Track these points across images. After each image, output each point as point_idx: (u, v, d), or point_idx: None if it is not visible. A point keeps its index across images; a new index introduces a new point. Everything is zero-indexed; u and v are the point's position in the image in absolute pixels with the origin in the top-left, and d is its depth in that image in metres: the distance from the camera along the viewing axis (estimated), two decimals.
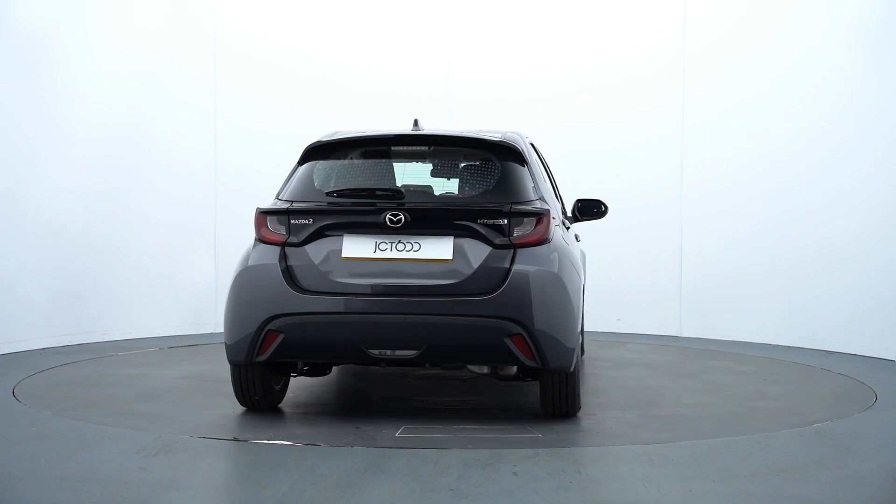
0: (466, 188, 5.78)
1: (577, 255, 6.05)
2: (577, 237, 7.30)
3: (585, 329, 8.86)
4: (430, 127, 6.38)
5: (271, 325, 5.40)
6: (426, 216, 5.45)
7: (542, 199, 5.68)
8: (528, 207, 5.49)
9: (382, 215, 5.41)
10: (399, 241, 5.42)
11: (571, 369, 5.46)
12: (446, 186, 6.09)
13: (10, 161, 8.19)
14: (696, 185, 9.74)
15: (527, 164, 5.78)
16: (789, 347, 8.95)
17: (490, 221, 5.38)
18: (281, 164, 7.16)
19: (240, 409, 5.94)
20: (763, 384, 7.07)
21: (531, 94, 10.31)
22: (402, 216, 5.39)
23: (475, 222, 5.38)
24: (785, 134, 9.19)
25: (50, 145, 8.52)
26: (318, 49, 10.31)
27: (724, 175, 9.58)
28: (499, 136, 5.91)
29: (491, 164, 5.78)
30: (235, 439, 5.23)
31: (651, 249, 9.84)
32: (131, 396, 6.35)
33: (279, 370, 5.86)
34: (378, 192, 5.57)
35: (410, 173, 6.28)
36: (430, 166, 6.37)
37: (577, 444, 5.17)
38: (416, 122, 6.31)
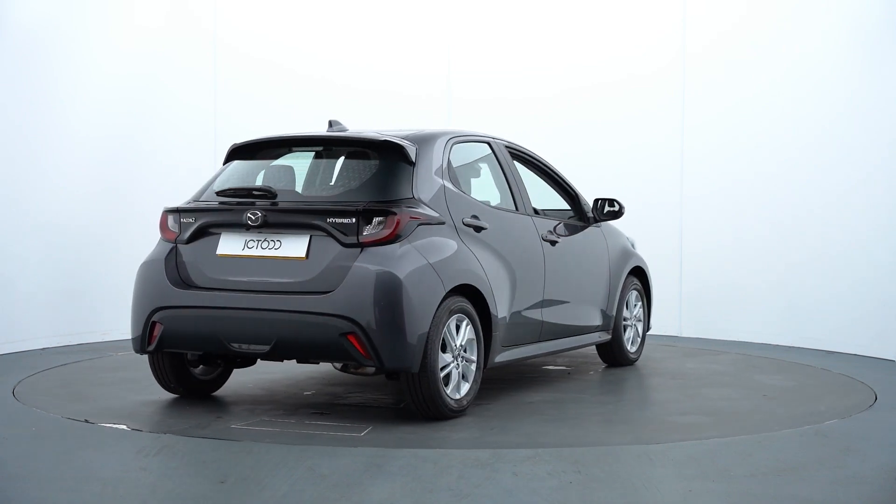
0: (344, 187, 5.91)
1: (463, 255, 5.80)
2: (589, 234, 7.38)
3: (649, 333, 8.61)
4: (358, 127, 6.47)
5: (155, 318, 5.80)
6: (282, 215, 5.62)
7: (415, 199, 5.67)
8: (377, 207, 5.51)
9: (244, 215, 5.62)
10: (265, 240, 5.66)
11: (415, 370, 5.43)
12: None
13: (11, 161, 8.19)
14: (696, 185, 9.73)
15: (414, 163, 5.80)
16: (789, 347, 8.94)
17: (340, 220, 5.48)
18: None
19: (166, 395, 6.31)
20: (744, 400, 7.05)
21: (531, 94, 10.31)
22: (259, 215, 5.59)
23: (325, 221, 5.50)
24: (785, 134, 9.19)
25: (50, 145, 8.52)
26: (318, 49, 10.32)
27: (724, 175, 9.57)
28: (397, 135, 5.97)
29: (374, 163, 5.88)
30: (86, 421, 5.56)
31: (651, 249, 9.82)
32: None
33: (205, 361, 6.16)
34: (254, 192, 5.77)
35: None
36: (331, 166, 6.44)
37: (445, 445, 5.14)
38: (330, 124, 6.45)
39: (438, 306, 5.53)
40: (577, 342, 7.21)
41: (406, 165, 5.80)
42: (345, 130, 6.35)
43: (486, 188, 6.83)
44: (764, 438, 5.33)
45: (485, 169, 6.90)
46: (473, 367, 5.86)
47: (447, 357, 5.65)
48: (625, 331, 7.79)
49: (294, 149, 6.26)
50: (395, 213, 5.49)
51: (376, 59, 10.41)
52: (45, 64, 8.47)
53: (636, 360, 7.99)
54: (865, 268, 8.54)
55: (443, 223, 5.78)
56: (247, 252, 5.68)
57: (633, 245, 8.13)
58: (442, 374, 5.61)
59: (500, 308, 6.11)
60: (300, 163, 6.27)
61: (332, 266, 5.46)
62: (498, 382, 7.00)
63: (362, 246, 5.45)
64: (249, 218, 5.61)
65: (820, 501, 4.20)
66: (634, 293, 7.93)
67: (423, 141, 6.00)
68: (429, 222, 5.67)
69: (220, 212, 5.80)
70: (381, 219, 5.48)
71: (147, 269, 5.93)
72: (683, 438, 5.31)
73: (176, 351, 5.94)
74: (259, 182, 6.03)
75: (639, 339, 8.02)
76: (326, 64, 10.29)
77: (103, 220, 8.95)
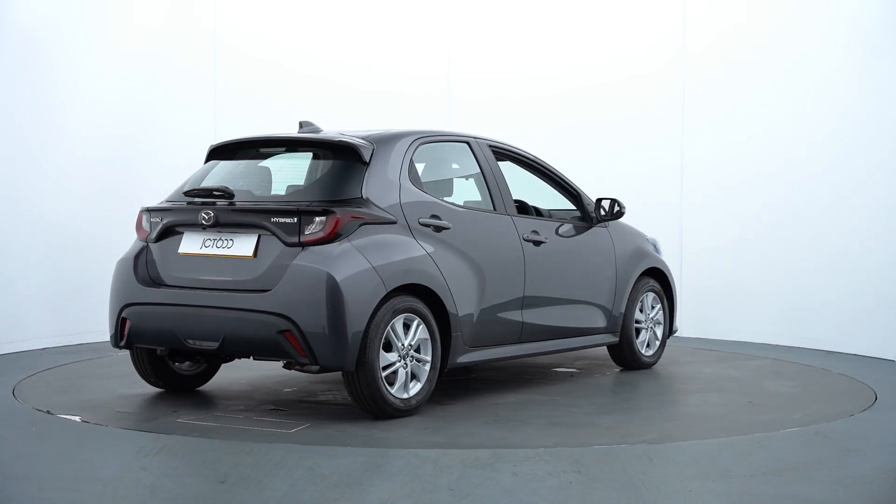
0: (296, 187, 6.03)
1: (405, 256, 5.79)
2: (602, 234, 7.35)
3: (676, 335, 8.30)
4: (330, 129, 6.53)
5: (124, 314, 6.02)
6: (232, 215, 5.76)
7: (364, 198, 5.73)
8: (318, 207, 5.59)
9: (198, 215, 5.79)
10: (220, 239, 5.82)
11: (350, 369, 5.50)
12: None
13: (11, 161, 8.19)
14: (696, 185, 9.73)
15: (368, 164, 5.86)
16: (789, 347, 8.94)
17: (283, 220, 5.59)
18: None
19: (149, 390, 6.51)
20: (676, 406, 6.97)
21: (531, 94, 10.30)
22: (212, 215, 5.76)
23: (270, 221, 5.61)
24: (785, 134, 9.18)
25: (50, 145, 8.52)
26: (318, 49, 10.32)
27: (724, 175, 9.56)
28: (359, 136, 6.05)
29: (329, 163, 6.00)
30: (48, 412, 5.78)
31: None
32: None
33: (180, 356, 6.33)
34: (214, 193, 5.91)
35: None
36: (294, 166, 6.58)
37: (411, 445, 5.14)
38: (301, 125, 6.53)
39: (378, 305, 5.57)
40: (572, 344, 7.10)
41: (359, 166, 5.86)
42: (317, 131, 6.40)
43: (463, 188, 6.81)
44: (764, 438, 5.33)
45: (462, 169, 6.86)
46: (427, 367, 5.87)
47: (391, 356, 5.67)
48: (638, 333, 7.60)
49: (262, 150, 6.35)
50: (334, 213, 5.56)
51: (376, 60, 10.41)
52: (45, 64, 8.47)
53: (653, 363, 7.75)
54: (865, 268, 8.54)
55: (394, 223, 5.81)
56: (204, 251, 5.84)
57: (656, 246, 7.96)
58: (387, 373, 5.65)
59: (463, 308, 6.09)
60: (270, 163, 6.38)
61: (275, 265, 5.57)
62: (485, 382, 7.01)
63: (304, 245, 5.54)
64: (203, 218, 5.78)
65: (820, 501, 4.20)
66: (651, 295, 7.72)
67: (383, 141, 6.05)
68: (375, 222, 5.73)
69: (182, 212, 5.96)
70: (321, 219, 5.55)
71: (120, 266, 6.16)
72: (651, 441, 5.31)
73: (144, 346, 6.11)
74: (229, 182, 6.11)
75: (657, 343, 7.79)
76: (326, 64, 10.29)
77: (103, 220, 8.94)
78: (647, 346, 7.72)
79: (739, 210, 9.47)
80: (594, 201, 7.39)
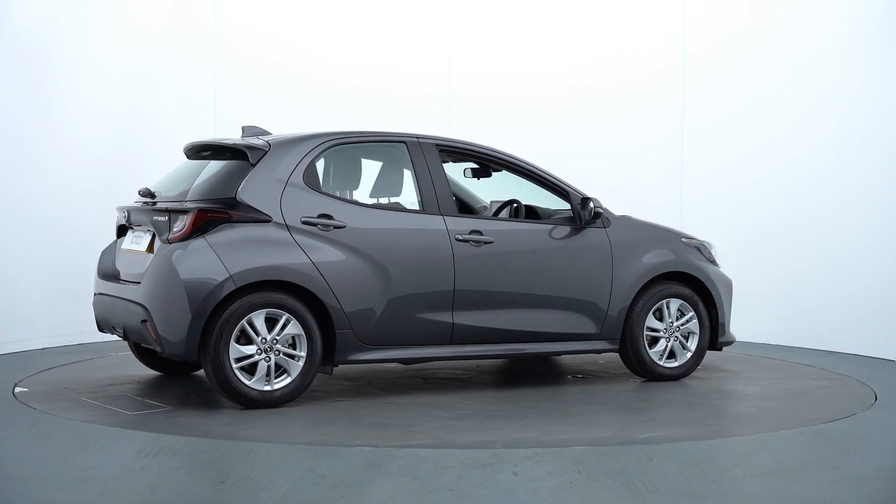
0: (187, 188, 6.31)
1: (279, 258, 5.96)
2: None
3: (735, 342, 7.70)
4: (282, 133, 6.67)
5: (92, 302, 6.79)
6: (136, 216, 6.42)
7: (236, 199, 5.98)
8: (179, 206, 6.02)
9: (123, 213, 6.56)
10: (139, 236, 6.42)
11: (192, 359, 5.83)
12: None
13: (11, 160, 8.19)
14: (696, 185, 9.72)
15: (254, 165, 6.12)
16: (789, 347, 8.94)
17: (159, 219, 6.10)
18: None
19: (146, 381, 6.90)
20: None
21: (531, 93, 10.30)
22: (126, 215, 6.52)
23: (152, 220, 6.16)
24: (786, 135, 9.17)
25: (51, 144, 8.52)
26: (319, 46, 10.31)
27: (724, 176, 9.56)
28: (267, 139, 6.34)
29: (222, 165, 6.32)
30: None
31: None
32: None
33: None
34: (147, 193, 6.44)
35: None
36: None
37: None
38: (243, 130, 6.80)
39: (226, 300, 5.82)
40: (539, 349, 6.74)
41: (246, 167, 6.15)
42: (262, 135, 6.62)
43: (389, 187, 6.82)
44: (764, 438, 5.33)
45: (389, 169, 6.90)
46: (301, 362, 5.98)
47: (249, 349, 5.87)
48: (655, 343, 7.02)
49: (202, 153, 6.65)
50: (191, 211, 5.90)
51: (377, 58, 10.41)
52: (46, 62, 8.46)
53: (678, 376, 7.09)
54: (866, 268, 8.53)
55: (267, 221, 6.00)
56: (129, 247, 6.49)
57: (701, 248, 7.39)
58: (245, 364, 5.87)
59: (354, 305, 6.09)
60: (199, 165, 6.58)
61: (153, 259, 6.04)
62: (427, 381, 7.00)
63: (171, 242, 5.94)
64: (122, 217, 6.56)
65: (820, 501, 4.20)
66: (677, 301, 7.08)
67: (283, 144, 6.27)
68: (241, 220, 5.95)
69: (122, 210, 6.67)
70: (184, 216, 5.93)
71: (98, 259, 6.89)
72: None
73: (107, 332, 6.74)
74: (177, 183, 6.47)
75: (687, 354, 7.11)
76: (326, 61, 10.29)
77: (104, 219, 8.90)
78: (670, 356, 7.08)
79: (739, 210, 9.47)
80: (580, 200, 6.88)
